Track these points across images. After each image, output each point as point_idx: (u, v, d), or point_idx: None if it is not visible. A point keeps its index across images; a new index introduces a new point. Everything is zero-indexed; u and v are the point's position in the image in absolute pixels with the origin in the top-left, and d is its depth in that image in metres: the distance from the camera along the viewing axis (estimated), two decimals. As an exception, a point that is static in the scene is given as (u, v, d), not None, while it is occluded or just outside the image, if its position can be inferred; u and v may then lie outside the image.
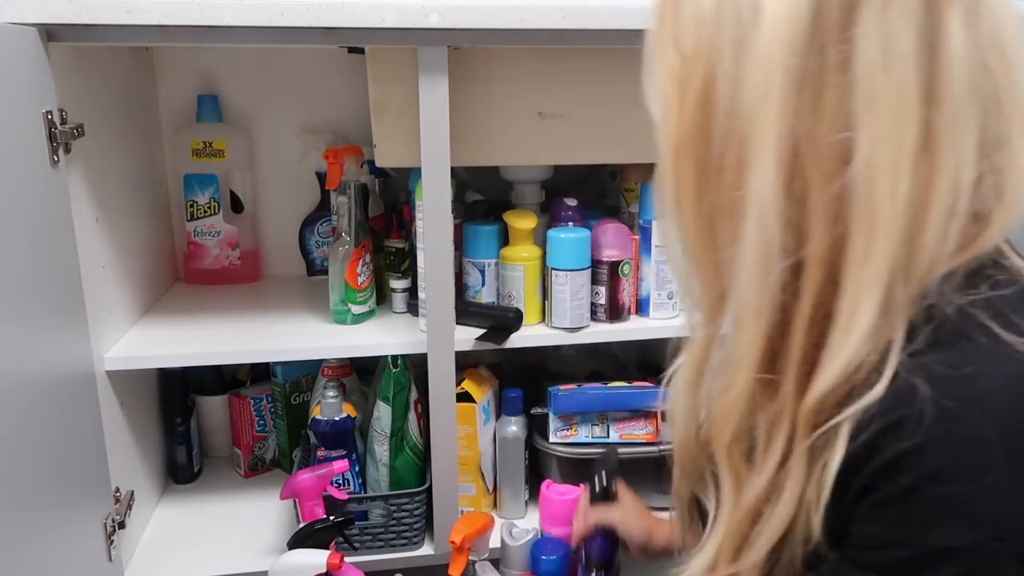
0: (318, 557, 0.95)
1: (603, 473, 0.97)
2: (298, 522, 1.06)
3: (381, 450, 1.13)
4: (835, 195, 0.49)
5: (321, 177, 1.36)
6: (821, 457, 0.51)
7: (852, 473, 0.49)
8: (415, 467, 1.15)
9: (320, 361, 1.26)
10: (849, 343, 0.49)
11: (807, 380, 0.51)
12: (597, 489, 0.96)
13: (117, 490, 1.04)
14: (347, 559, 0.97)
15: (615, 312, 1.16)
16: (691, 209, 0.55)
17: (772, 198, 0.49)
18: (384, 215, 1.31)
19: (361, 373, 1.29)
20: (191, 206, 1.32)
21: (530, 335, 1.13)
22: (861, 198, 0.48)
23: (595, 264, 1.14)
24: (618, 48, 1.00)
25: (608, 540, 0.94)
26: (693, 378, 0.62)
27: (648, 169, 1.44)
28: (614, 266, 1.14)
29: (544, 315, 1.15)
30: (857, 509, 0.50)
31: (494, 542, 1.02)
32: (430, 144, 0.97)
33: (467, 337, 1.07)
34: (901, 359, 0.49)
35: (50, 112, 0.87)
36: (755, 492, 0.54)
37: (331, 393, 1.10)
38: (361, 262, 1.12)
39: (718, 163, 0.52)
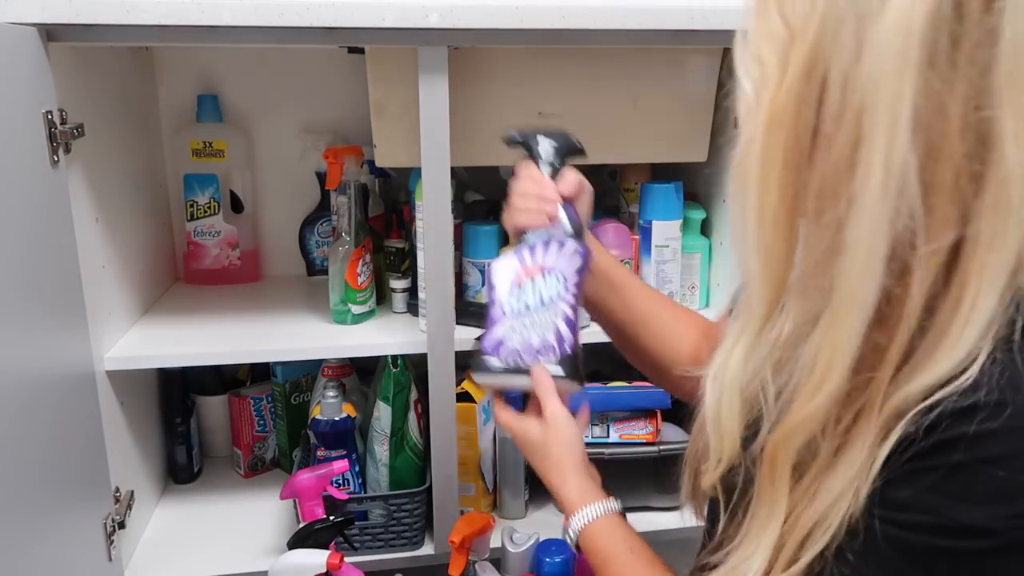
0: (318, 557, 0.95)
1: (564, 141, 0.84)
2: (298, 522, 1.06)
3: (381, 450, 1.13)
4: (969, 176, 0.47)
5: (321, 177, 1.36)
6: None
7: (902, 449, 0.49)
8: (415, 467, 1.15)
9: (320, 361, 1.26)
10: (969, 333, 0.48)
11: (899, 372, 0.50)
12: (553, 166, 0.83)
13: (117, 490, 1.04)
14: (347, 559, 0.97)
15: (615, 312, 1.15)
16: (777, 188, 0.51)
17: (899, 178, 0.46)
18: (384, 215, 1.31)
19: (361, 373, 1.29)
20: (191, 206, 1.32)
21: (530, 335, 1.13)
22: (999, 179, 0.46)
23: (595, 264, 1.14)
24: (618, 48, 1.00)
25: (574, 208, 0.83)
26: (740, 375, 0.59)
27: (647, 169, 1.45)
28: (614, 266, 1.14)
29: (544, 315, 1.15)
30: (893, 473, 0.50)
31: (494, 544, 1.02)
32: (430, 144, 0.97)
33: (467, 337, 1.07)
34: (990, 348, 0.48)
35: (50, 112, 0.87)
36: (832, 494, 0.52)
37: (331, 393, 1.10)
38: (361, 262, 1.12)
39: (826, 139, 0.49)
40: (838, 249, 0.49)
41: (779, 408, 0.55)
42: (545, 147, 0.83)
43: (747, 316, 0.58)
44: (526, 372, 0.77)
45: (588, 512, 0.73)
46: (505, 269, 0.80)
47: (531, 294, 0.78)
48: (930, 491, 0.48)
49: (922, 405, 0.48)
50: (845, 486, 0.51)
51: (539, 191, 0.82)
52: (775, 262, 0.54)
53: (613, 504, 0.74)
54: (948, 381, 0.48)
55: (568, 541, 0.75)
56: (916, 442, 0.48)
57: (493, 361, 0.78)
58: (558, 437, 0.76)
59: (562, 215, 0.80)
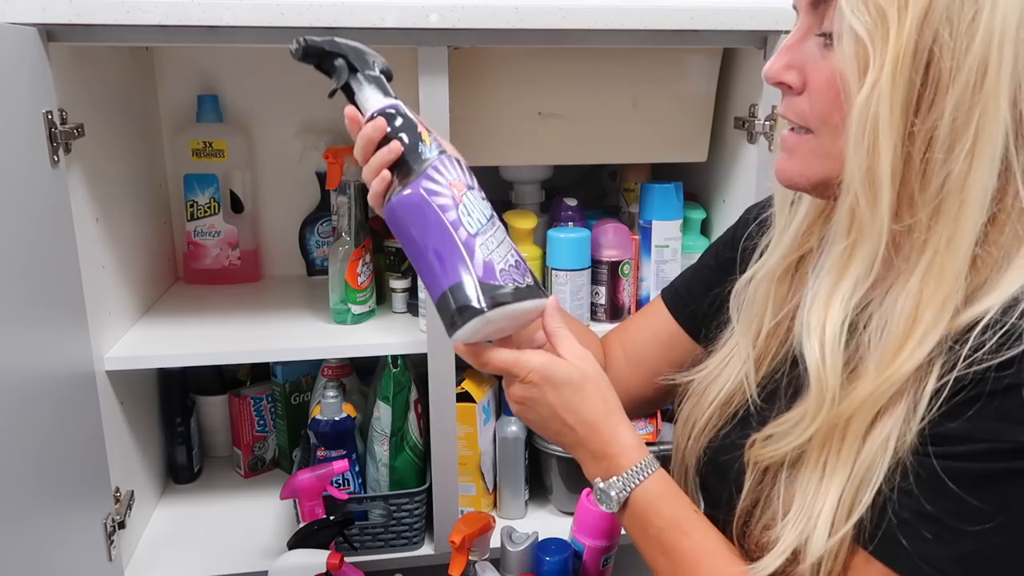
0: (318, 557, 0.95)
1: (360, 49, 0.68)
2: (298, 522, 1.06)
3: (381, 450, 1.13)
4: None
5: (321, 177, 1.36)
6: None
7: (945, 383, 0.52)
8: (415, 467, 1.15)
9: (320, 361, 1.26)
10: (1018, 270, 0.52)
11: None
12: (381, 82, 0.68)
13: (117, 490, 1.04)
14: (347, 559, 0.97)
15: (615, 312, 1.16)
16: (901, 130, 0.52)
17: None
18: (384, 215, 1.31)
19: (361, 373, 1.29)
20: (191, 206, 1.32)
21: (530, 335, 1.13)
22: None
23: (595, 264, 1.14)
24: (618, 48, 1.00)
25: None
26: (839, 329, 0.57)
27: (647, 169, 1.44)
28: (614, 266, 1.14)
29: (544, 315, 1.15)
30: (941, 409, 0.52)
31: (494, 543, 1.02)
32: (430, 144, 0.97)
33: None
34: None
35: (50, 112, 0.87)
36: (883, 435, 0.54)
37: (331, 393, 1.10)
38: (361, 262, 1.12)
39: (947, 77, 0.51)
40: (950, 193, 0.52)
41: (875, 358, 0.55)
42: (360, 59, 0.67)
43: (847, 265, 0.57)
44: (529, 296, 0.65)
45: (647, 465, 0.65)
46: (440, 189, 0.65)
47: (476, 212, 0.66)
48: (983, 418, 0.50)
49: (965, 338, 0.51)
50: (893, 425, 0.53)
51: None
52: (886, 209, 0.54)
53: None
54: (984, 314, 0.51)
55: (606, 501, 0.65)
56: (959, 381, 0.51)
57: (501, 289, 0.63)
58: (599, 376, 0.66)
59: (433, 133, 0.68)
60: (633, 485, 0.64)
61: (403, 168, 0.66)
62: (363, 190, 1.18)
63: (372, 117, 0.66)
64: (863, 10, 0.51)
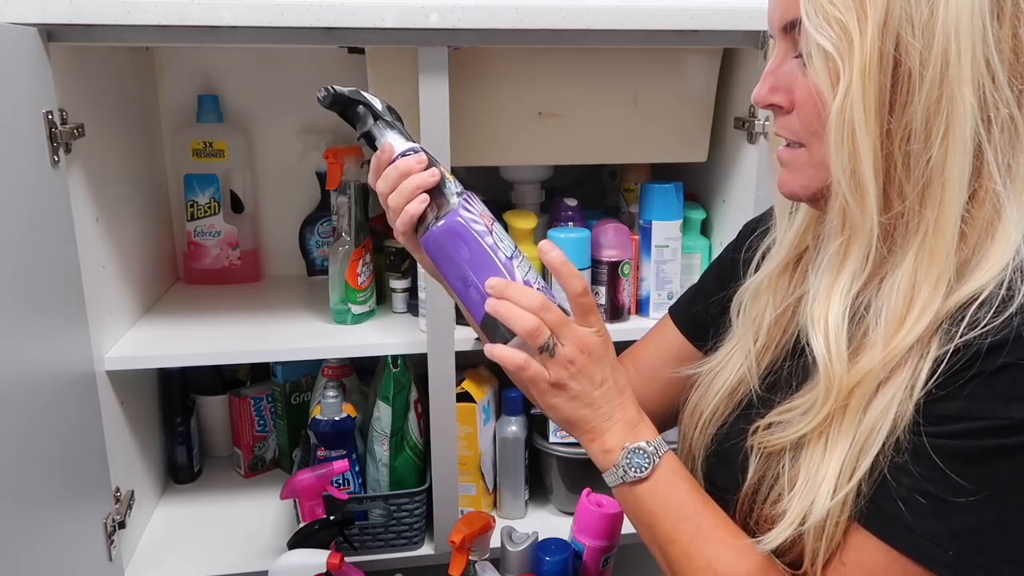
0: (318, 557, 0.95)
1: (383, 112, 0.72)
2: (298, 522, 1.06)
3: (381, 450, 1.13)
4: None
5: (321, 177, 1.36)
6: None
7: (942, 362, 0.54)
8: (415, 467, 1.15)
9: (320, 361, 1.26)
10: (1006, 249, 0.55)
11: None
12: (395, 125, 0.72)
13: (117, 490, 1.04)
14: (347, 559, 0.97)
15: (615, 312, 1.16)
16: (876, 130, 0.55)
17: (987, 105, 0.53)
18: (384, 215, 1.31)
19: (361, 373, 1.29)
20: (191, 206, 1.32)
21: (530, 335, 1.13)
22: None
23: (595, 264, 1.14)
24: (618, 48, 1.00)
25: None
26: (841, 318, 0.59)
27: (647, 169, 1.44)
28: (614, 266, 1.14)
29: (544, 315, 1.15)
30: (937, 387, 0.54)
31: (494, 543, 1.02)
32: (430, 144, 0.97)
33: (467, 337, 1.07)
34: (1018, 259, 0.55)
35: (50, 112, 0.87)
36: (878, 410, 0.56)
37: (331, 393, 1.11)
38: (361, 262, 1.12)
39: (916, 78, 0.53)
40: (933, 178, 0.54)
41: (878, 336, 0.57)
42: (377, 105, 0.72)
43: (843, 260, 0.59)
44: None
45: (662, 442, 0.66)
46: (474, 215, 0.70)
47: (506, 239, 0.71)
48: (977, 397, 0.52)
49: (961, 315, 0.54)
50: (893, 396, 0.55)
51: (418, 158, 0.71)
52: (873, 205, 0.56)
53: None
54: (979, 292, 0.54)
55: (638, 461, 0.65)
56: (956, 354, 0.53)
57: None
58: (615, 358, 0.68)
59: (449, 173, 0.73)
60: (667, 447, 0.67)
61: (437, 200, 0.70)
62: (363, 190, 1.18)
63: (400, 156, 0.70)
64: (826, 27, 0.55)
